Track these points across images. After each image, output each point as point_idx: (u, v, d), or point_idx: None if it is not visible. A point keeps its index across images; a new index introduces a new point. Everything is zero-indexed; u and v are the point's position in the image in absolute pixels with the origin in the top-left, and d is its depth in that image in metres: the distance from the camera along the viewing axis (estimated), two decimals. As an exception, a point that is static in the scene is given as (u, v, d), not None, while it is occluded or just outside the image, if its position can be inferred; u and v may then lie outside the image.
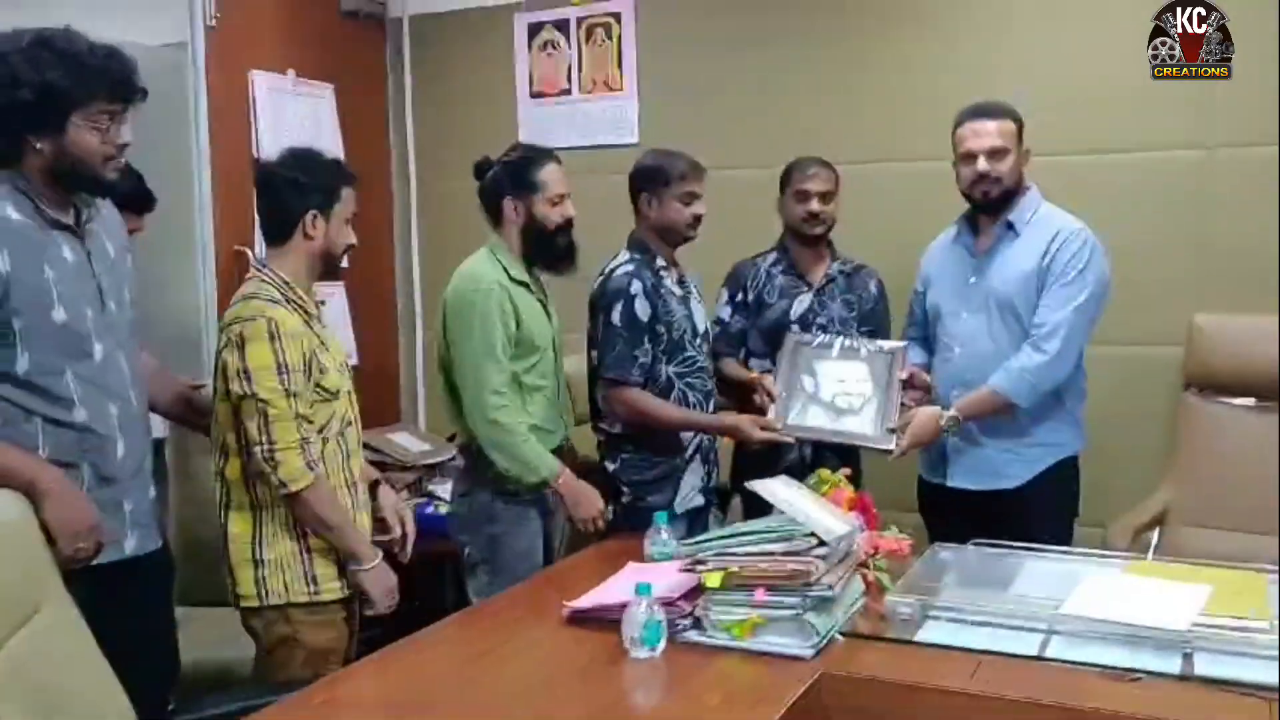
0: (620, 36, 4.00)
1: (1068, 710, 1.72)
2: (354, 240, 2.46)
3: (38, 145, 2.04)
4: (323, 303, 2.55)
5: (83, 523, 2.03)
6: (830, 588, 1.99)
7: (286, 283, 2.36)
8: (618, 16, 4.01)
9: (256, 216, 2.50)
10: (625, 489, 2.84)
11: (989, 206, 2.82)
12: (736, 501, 3.03)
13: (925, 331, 3.02)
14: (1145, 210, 3.33)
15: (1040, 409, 2.79)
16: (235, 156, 3.65)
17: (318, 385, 2.32)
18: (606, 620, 2.05)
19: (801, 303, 3.03)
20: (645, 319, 2.77)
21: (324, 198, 2.38)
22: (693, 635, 2.02)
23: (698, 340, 2.89)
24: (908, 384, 2.82)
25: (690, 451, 2.85)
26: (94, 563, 2.06)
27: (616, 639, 1.97)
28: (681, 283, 2.90)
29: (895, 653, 1.96)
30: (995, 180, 2.77)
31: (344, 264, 2.49)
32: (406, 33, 4.34)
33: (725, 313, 3.11)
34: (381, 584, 2.39)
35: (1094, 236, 2.78)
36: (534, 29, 4.15)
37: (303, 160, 2.41)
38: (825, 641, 1.96)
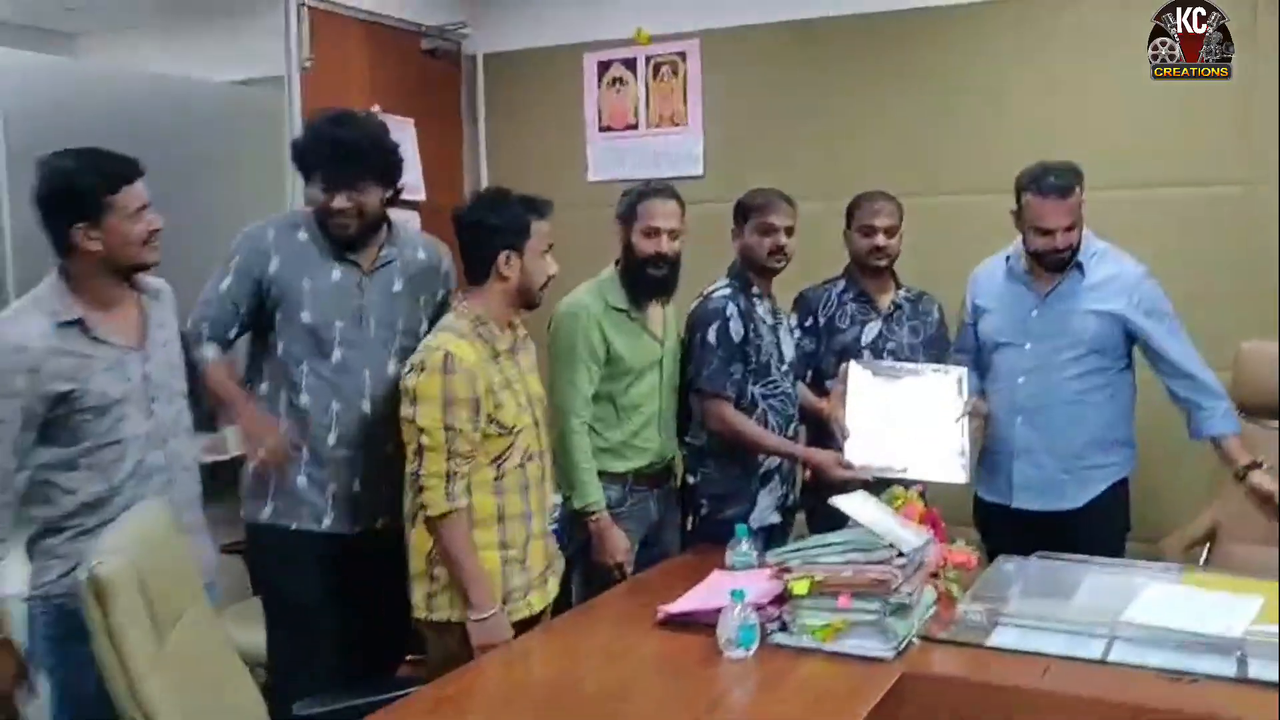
0: (686, 74, 4.21)
1: (1133, 708, 1.90)
2: (554, 270, 2.53)
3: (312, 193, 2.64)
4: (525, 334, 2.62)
5: (268, 430, 2.56)
6: (909, 595, 2.17)
7: (479, 318, 2.45)
8: (683, 55, 4.21)
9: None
10: (704, 502, 3.03)
11: (1058, 267, 2.97)
12: (801, 516, 3.19)
13: (977, 359, 3.18)
14: (1192, 242, 3.50)
15: (1100, 435, 2.97)
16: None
17: (492, 419, 2.38)
18: (699, 624, 2.24)
19: (871, 329, 3.20)
20: (738, 340, 2.96)
21: (515, 236, 2.46)
22: (780, 638, 2.20)
23: (784, 367, 3.06)
24: (969, 413, 2.99)
25: (767, 470, 3.03)
26: (292, 526, 2.61)
27: (709, 641, 2.16)
28: (774, 313, 3.09)
29: (969, 656, 2.14)
30: (1068, 249, 2.93)
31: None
32: (481, 69, 4.56)
33: (795, 334, 3.26)
34: (485, 636, 2.34)
35: None
36: (603, 66, 4.35)
37: (491, 201, 2.53)
38: (904, 645, 2.14)
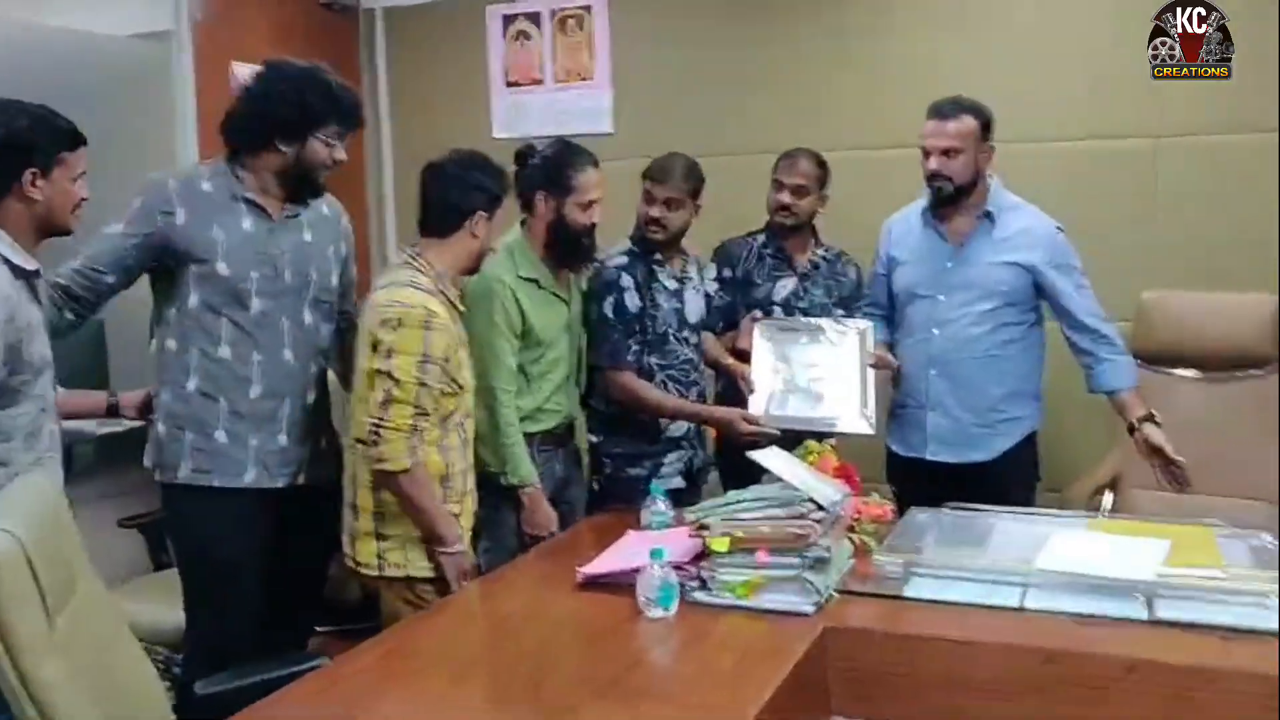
0: (593, 27, 4.13)
1: (1049, 652, 1.91)
2: (496, 247, 2.62)
3: (282, 148, 2.51)
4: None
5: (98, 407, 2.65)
6: (827, 549, 2.17)
7: (440, 274, 2.48)
8: (589, 8, 4.14)
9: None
10: (607, 460, 3.01)
11: (943, 201, 3.00)
12: (713, 476, 3.18)
13: (888, 312, 3.19)
14: (1097, 195, 3.55)
15: (1013, 387, 3.01)
16: (220, 146, 3.72)
17: (453, 378, 2.44)
18: (617, 584, 2.21)
19: (785, 286, 3.19)
20: (635, 311, 2.93)
21: (491, 201, 2.53)
22: (700, 596, 2.17)
23: (684, 332, 3.03)
24: (874, 365, 3.00)
25: (671, 436, 3.01)
26: (210, 484, 2.53)
27: (629, 601, 2.13)
28: (681, 275, 3.05)
29: (888, 607, 2.15)
30: (946, 178, 2.95)
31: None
32: (381, 24, 4.43)
33: (711, 288, 3.21)
34: (459, 568, 2.46)
35: None
36: (507, 20, 4.26)
37: (478, 161, 2.56)
38: (824, 599, 2.13)
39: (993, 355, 3.00)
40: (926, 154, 2.96)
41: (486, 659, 2.03)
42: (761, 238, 3.24)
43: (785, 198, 3.13)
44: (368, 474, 2.44)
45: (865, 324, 3.05)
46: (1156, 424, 2.90)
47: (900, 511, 2.63)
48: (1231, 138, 3.44)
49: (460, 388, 2.49)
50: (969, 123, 2.92)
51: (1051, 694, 1.88)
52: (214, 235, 2.49)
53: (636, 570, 2.15)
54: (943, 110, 2.94)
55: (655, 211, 2.92)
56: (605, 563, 2.32)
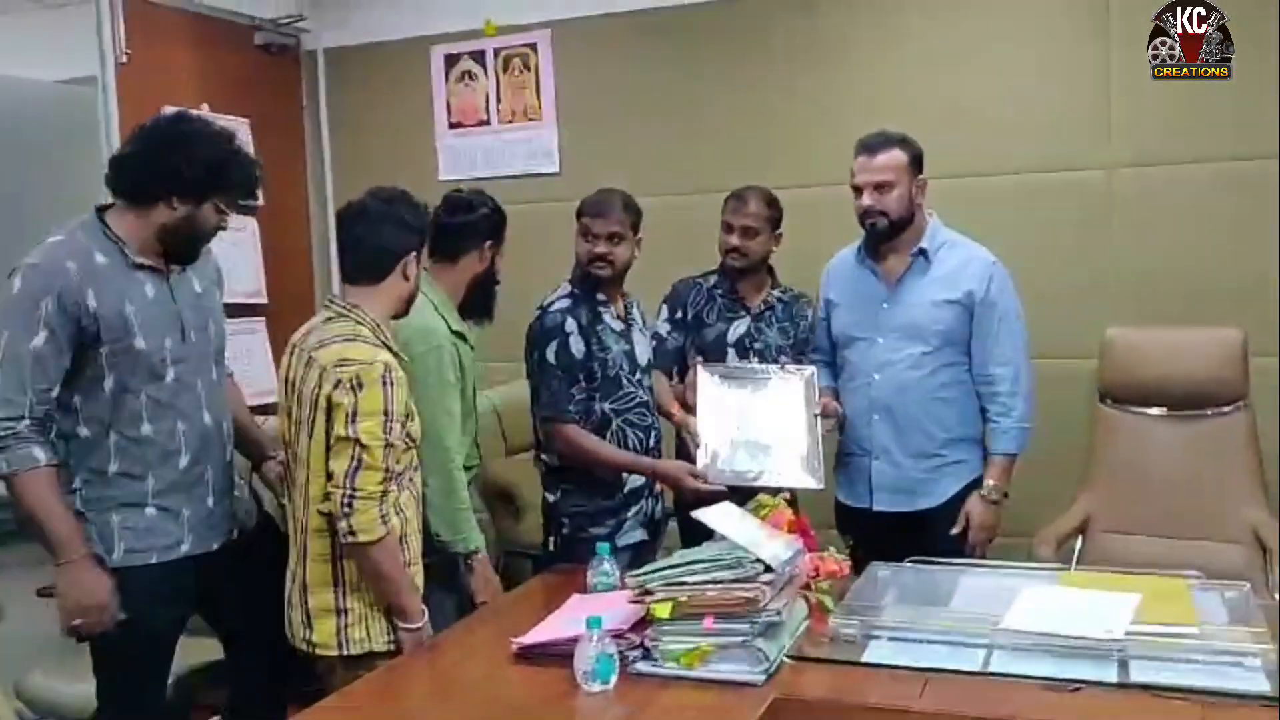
0: (538, 66, 4.02)
1: (1015, 723, 1.77)
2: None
3: (175, 206, 2.32)
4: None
5: (91, 599, 2.29)
6: (778, 613, 2.02)
7: (378, 325, 2.31)
8: (534, 46, 4.03)
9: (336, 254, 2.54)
10: (565, 521, 2.84)
11: (879, 238, 2.89)
12: (673, 525, 3.04)
13: (831, 357, 3.07)
14: (1054, 229, 3.47)
15: (957, 431, 2.89)
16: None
17: (408, 433, 2.28)
18: (556, 654, 2.05)
19: (739, 327, 3.06)
20: (580, 356, 2.78)
21: (420, 240, 2.39)
22: (642, 666, 2.02)
23: (637, 375, 2.89)
24: (820, 414, 2.86)
25: (633, 488, 2.85)
26: (149, 561, 2.36)
27: (567, 673, 1.98)
28: (626, 315, 2.91)
29: (844, 674, 2.00)
30: (880, 213, 2.85)
31: None
32: (322, 66, 4.32)
33: (663, 329, 3.10)
34: (419, 644, 2.28)
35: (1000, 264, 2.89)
36: (450, 60, 4.15)
37: (401, 197, 2.39)
38: (775, 666, 1.98)
39: (935, 398, 2.89)
40: (858, 191, 2.86)
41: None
42: (714, 278, 3.12)
43: (734, 239, 3.02)
44: (321, 546, 2.26)
45: (809, 369, 2.93)
46: (994, 503, 2.84)
47: (857, 566, 2.49)
48: (1186, 168, 3.38)
49: (413, 441, 2.32)
50: (898, 155, 2.83)
51: (1019, 770, 1.74)
52: (126, 311, 2.30)
53: (574, 640, 1.99)
54: (870, 145, 2.85)
55: (601, 248, 2.79)
56: (542, 632, 2.16)
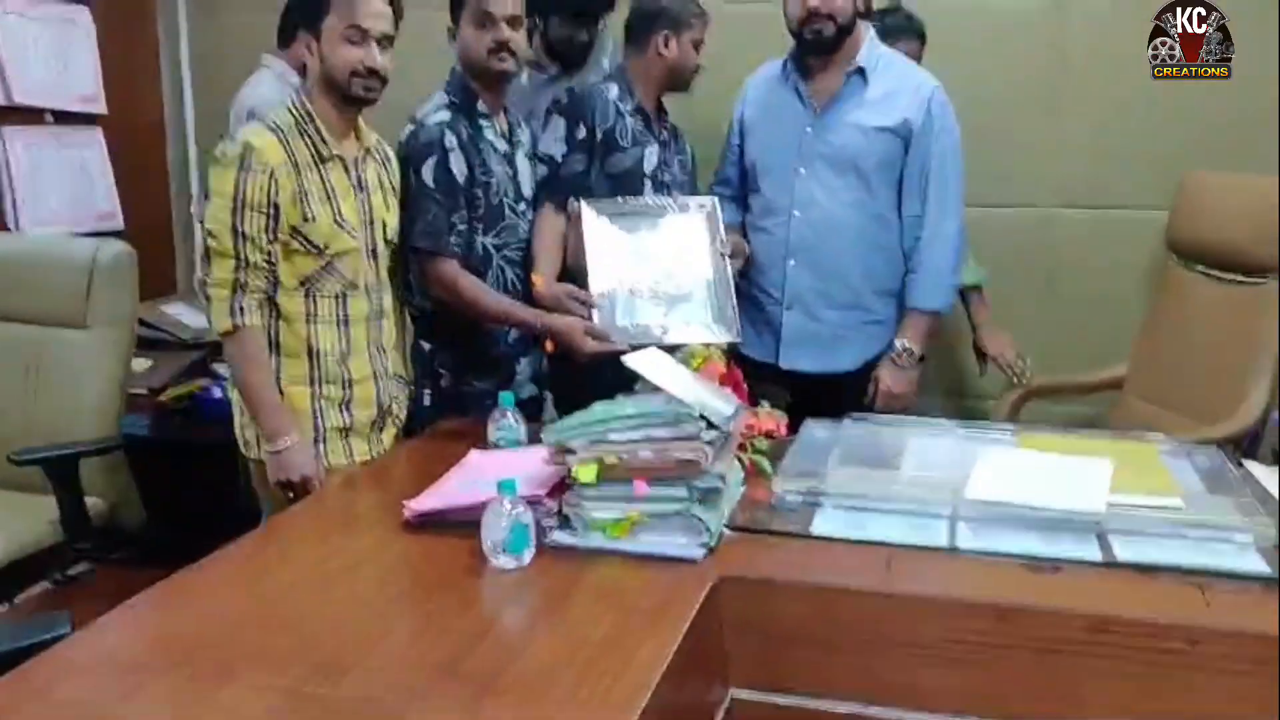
0: None
1: (998, 610, 1.53)
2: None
3: None
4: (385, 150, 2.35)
5: None
6: (720, 477, 1.73)
7: (309, 114, 2.16)
8: None
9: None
10: (443, 371, 2.47)
11: (820, 47, 2.53)
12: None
13: (738, 191, 2.74)
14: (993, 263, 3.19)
15: (885, 283, 2.63)
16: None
17: (297, 232, 2.11)
18: (456, 523, 1.74)
19: (652, 155, 2.64)
20: (462, 180, 2.36)
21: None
22: (561, 536, 1.73)
23: (521, 205, 2.49)
24: (728, 255, 2.52)
25: (518, 334, 2.49)
26: None
27: (472, 544, 1.66)
28: (510, 134, 2.50)
29: (792, 548, 1.74)
30: (828, 17, 2.48)
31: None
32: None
33: (558, 150, 2.56)
34: (279, 470, 2.13)
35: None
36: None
37: None
38: (715, 540, 1.71)
39: (864, 242, 2.59)
40: None
41: (271, 636, 1.46)
42: (614, 89, 2.61)
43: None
44: None
45: (710, 200, 2.57)
46: (903, 368, 2.58)
47: (793, 425, 2.21)
48: (1124, 212, 3.19)
49: (315, 247, 2.14)
50: None
51: (1005, 662, 1.51)
52: None
53: (479, 506, 1.67)
54: None
55: (503, 33, 2.33)
56: (440, 496, 1.83)
